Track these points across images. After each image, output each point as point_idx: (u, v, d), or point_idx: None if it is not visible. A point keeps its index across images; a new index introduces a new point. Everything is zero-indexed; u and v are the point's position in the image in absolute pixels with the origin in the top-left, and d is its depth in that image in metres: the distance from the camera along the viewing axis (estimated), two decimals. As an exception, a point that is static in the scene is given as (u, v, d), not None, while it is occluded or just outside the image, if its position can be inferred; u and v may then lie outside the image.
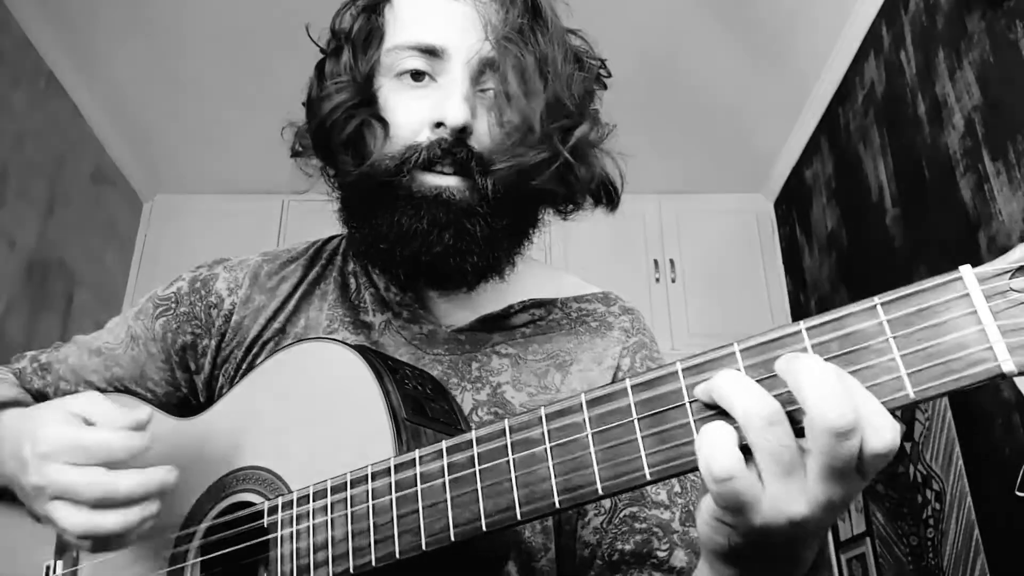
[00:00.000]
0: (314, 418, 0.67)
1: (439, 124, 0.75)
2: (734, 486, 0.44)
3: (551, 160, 0.75)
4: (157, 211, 3.44)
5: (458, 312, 0.84)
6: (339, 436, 0.65)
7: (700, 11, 2.65)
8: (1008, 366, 0.40)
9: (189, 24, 2.69)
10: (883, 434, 0.42)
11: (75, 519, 0.62)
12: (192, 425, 0.78)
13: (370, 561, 0.57)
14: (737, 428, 0.44)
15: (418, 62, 0.77)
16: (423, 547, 0.54)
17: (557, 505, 0.50)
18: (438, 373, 0.78)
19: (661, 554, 0.73)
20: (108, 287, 3.17)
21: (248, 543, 0.66)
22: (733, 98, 3.00)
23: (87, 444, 0.63)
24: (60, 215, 2.85)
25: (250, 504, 0.68)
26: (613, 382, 0.53)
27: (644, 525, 0.75)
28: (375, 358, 0.67)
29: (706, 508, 0.48)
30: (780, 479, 0.44)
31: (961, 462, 2.00)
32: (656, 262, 3.32)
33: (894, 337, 0.43)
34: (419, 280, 0.81)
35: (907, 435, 2.27)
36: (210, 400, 0.84)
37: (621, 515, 0.76)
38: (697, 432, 0.46)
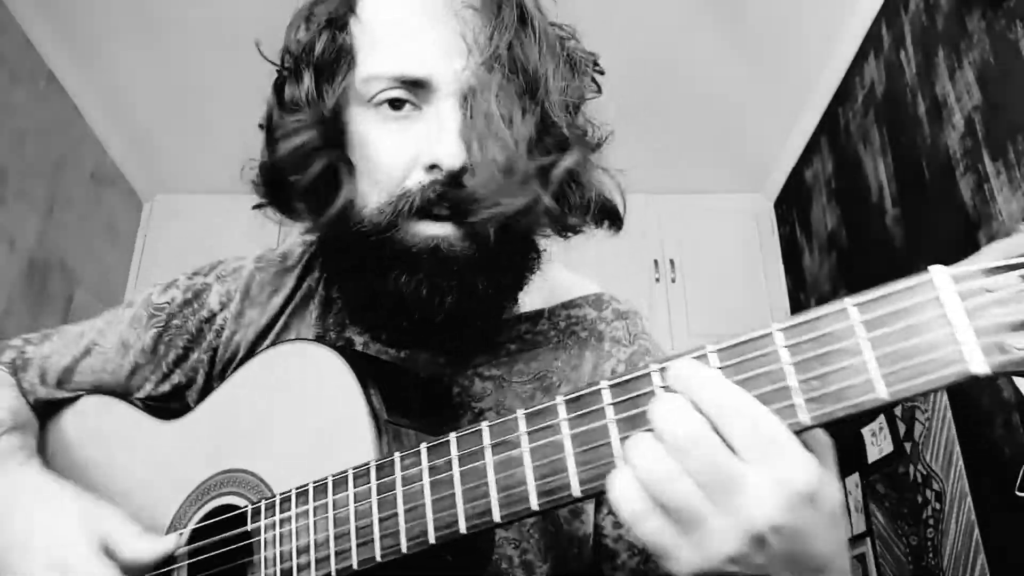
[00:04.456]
0: (296, 419, 0.67)
1: (433, 166, 0.67)
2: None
3: (533, 205, 0.67)
4: (157, 211, 3.44)
5: None
6: (321, 437, 0.65)
7: (700, 11, 2.64)
8: (979, 367, 0.39)
9: (190, 24, 2.69)
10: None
11: None
12: (175, 427, 0.77)
13: (351, 565, 0.57)
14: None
15: (399, 92, 0.68)
16: (403, 550, 0.54)
17: (535, 508, 0.50)
18: None
19: None
20: (108, 287, 3.16)
21: (233, 546, 0.66)
22: (733, 98, 3.00)
23: None
24: (60, 215, 2.85)
25: (234, 507, 0.68)
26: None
27: None
28: (357, 359, 0.67)
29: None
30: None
31: (961, 462, 2.00)
32: (656, 262, 3.32)
33: (866, 339, 0.42)
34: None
35: (907, 435, 2.27)
36: None
37: None
38: None
